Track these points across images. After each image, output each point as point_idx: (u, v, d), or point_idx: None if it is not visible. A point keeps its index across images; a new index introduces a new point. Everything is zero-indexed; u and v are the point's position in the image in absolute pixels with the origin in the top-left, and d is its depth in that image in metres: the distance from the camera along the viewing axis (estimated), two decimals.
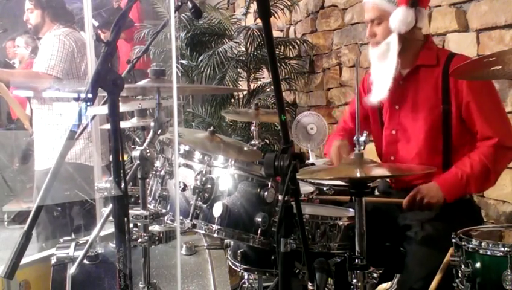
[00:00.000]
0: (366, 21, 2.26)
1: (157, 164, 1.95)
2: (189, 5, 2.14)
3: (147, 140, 1.72)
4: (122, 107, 2.26)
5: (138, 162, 1.65)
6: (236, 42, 4.72)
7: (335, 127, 4.29)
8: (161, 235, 1.73)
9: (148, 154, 1.65)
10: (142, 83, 1.85)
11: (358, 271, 1.71)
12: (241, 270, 2.19)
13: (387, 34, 2.18)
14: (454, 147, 2.18)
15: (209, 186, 1.84)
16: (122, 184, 1.33)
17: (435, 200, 2.07)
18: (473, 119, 2.12)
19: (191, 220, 1.83)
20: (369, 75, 2.37)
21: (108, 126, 1.62)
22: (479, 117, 2.11)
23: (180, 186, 1.87)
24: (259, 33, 4.51)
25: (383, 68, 2.21)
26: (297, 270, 1.81)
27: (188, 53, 4.82)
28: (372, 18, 2.21)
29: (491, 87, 2.18)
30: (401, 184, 2.30)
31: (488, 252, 1.62)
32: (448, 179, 2.11)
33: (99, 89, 1.30)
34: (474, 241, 1.66)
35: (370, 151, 3.37)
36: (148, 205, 1.79)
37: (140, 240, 1.67)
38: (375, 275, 1.73)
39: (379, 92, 2.23)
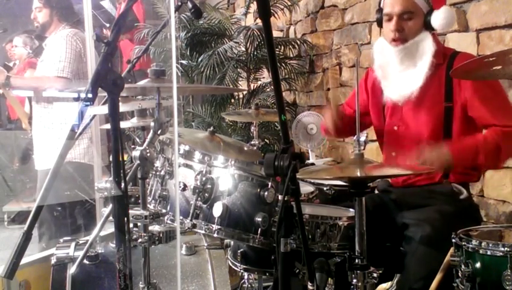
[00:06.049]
0: (390, 14, 2.15)
1: (157, 164, 1.95)
2: (189, 5, 2.14)
3: (147, 140, 1.72)
4: (122, 107, 2.26)
5: (138, 162, 1.65)
6: (236, 42, 4.72)
7: None
8: (161, 235, 1.73)
9: (148, 154, 1.65)
10: (142, 83, 1.85)
11: (358, 271, 1.71)
12: (241, 270, 2.19)
13: (417, 31, 2.14)
14: None
15: (209, 186, 1.84)
16: (122, 184, 1.33)
17: (440, 155, 2.03)
18: (480, 113, 2.10)
19: (191, 220, 1.83)
20: (372, 71, 2.36)
21: (108, 126, 1.62)
22: (485, 109, 2.09)
23: (180, 186, 1.87)
24: (259, 33, 4.51)
25: (408, 67, 2.16)
26: (297, 270, 1.81)
27: (188, 53, 4.81)
28: (403, 11, 2.12)
29: (494, 82, 2.16)
30: (401, 183, 2.30)
31: (488, 252, 1.62)
32: (459, 143, 2.09)
33: (99, 89, 1.30)
34: (474, 241, 1.66)
35: (370, 152, 3.38)
36: (148, 205, 1.79)
37: (140, 240, 1.68)
38: (375, 275, 1.73)
39: (403, 90, 2.18)
